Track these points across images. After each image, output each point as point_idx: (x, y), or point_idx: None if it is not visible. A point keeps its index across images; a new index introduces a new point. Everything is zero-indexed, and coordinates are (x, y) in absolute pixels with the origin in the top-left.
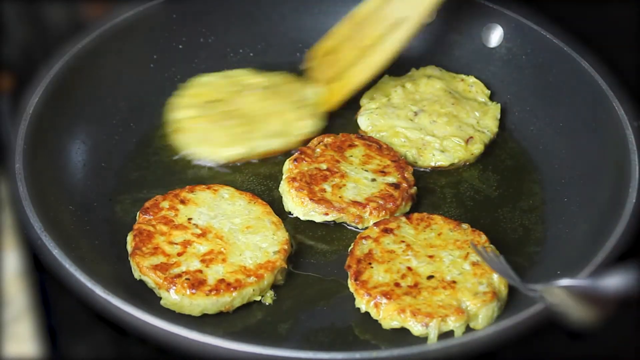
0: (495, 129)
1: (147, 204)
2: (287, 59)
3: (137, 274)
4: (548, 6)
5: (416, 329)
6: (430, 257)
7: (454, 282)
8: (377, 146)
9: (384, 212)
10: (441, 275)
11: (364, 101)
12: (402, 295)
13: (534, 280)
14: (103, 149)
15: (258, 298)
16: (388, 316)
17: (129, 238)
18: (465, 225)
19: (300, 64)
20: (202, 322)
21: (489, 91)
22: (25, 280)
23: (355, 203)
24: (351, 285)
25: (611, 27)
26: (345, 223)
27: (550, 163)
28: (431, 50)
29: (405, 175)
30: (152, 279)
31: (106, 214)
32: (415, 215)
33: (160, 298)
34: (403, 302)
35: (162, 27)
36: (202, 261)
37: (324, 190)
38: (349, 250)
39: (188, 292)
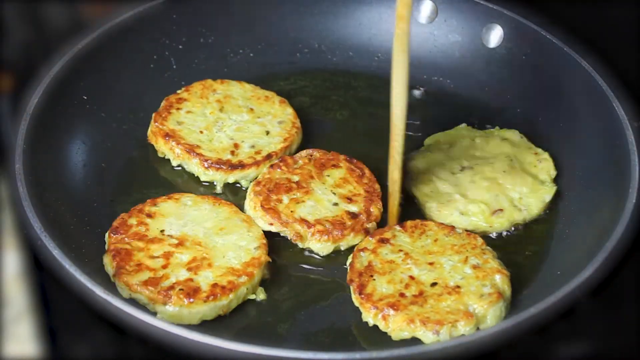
0: (536, 211)
1: (114, 224)
2: (287, 58)
3: (126, 293)
4: (548, 6)
5: (427, 337)
6: (431, 264)
7: (458, 286)
8: (359, 173)
9: (326, 237)
10: (444, 281)
11: (427, 141)
12: (409, 305)
13: (534, 280)
14: (103, 149)
15: (252, 296)
16: (397, 327)
17: (107, 260)
18: (459, 230)
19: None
20: (202, 325)
21: (556, 172)
22: (25, 280)
23: (302, 221)
24: (356, 299)
25: (611, 27)
26: (287, 237)
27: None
28: (431, 50)
29: (371, 208)
30: (145, 296)
31: (106, 214)
32: (409, 222)
33: (156, 313)
34: (411, 311)
35: (162, 27)
36: (189, 269)
37: (280, 201)
38: (347, 263)
39: (185, 301)
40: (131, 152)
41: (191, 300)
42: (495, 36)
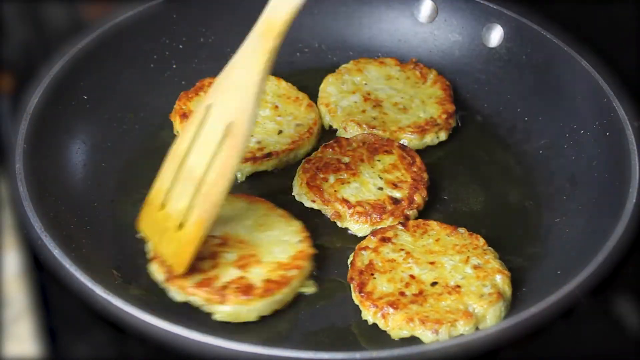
0: None
1: None
2: (287, 58)
3: (180, 297)
4: (548, 6)
5: (426, 336)
6: (432, 263)
7: (458, 286)
8: (410, 161)
9: (364, 219)
10: (444, 280)
11: None
12: (409, 304)
13: (534, 280)
14: (103, 149)
15: (304, 290)
16: (397, 326)
17: (155, 267)
18: (462, 230)
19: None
20: (202, 325)
21: None
22: (25, 280)
23: (344, 201)
24: (356, 297)
25: (611, 27)
26: (327, 215)
27: (550, 163)
28: (432, 50)
29: (415, 196)
30: (201, 297)
31: (106, 214)
32: (411, 222)
33: (210, 314)
34: (410, 310)
35: (162, 27)
36: (239, 267)
37: (326, 180)
38: (348, 261)
39: (242, 299)
40: (131, 152)
41: (248, 297)
42: (495, 36)
